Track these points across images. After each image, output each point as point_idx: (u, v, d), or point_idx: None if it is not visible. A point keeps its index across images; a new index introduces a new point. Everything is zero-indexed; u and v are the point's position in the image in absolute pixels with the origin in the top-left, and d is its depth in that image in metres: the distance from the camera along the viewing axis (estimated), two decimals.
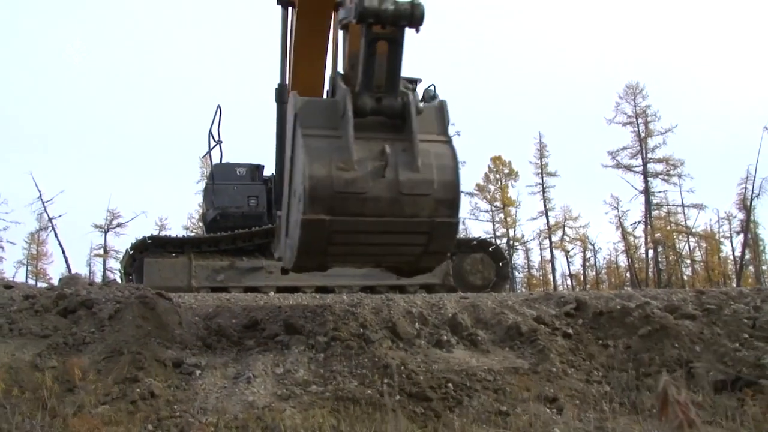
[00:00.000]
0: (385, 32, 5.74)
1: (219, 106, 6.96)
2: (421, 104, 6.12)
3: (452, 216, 5.88)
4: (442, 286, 11.71)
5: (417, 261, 6.39)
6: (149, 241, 11.89)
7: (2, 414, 4.91)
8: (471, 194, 45.36)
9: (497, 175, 45.39)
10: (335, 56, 12.71)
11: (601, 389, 6.08)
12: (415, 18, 5.59)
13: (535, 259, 50.22)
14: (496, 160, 45.10)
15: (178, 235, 13.22)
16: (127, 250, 12.24)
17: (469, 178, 47.23)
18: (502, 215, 45.21)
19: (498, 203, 45.16)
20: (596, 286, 44.15)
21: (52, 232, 38.24)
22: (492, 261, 12.49)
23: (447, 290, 10.84)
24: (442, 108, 6.30)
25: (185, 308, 7.15)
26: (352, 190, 5.64)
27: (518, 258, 48.16)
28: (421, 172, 5.72)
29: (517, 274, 47.49)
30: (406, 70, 6.41)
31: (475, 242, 13.04)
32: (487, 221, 46.22)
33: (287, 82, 13.06)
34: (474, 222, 46.49)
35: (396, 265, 6.89)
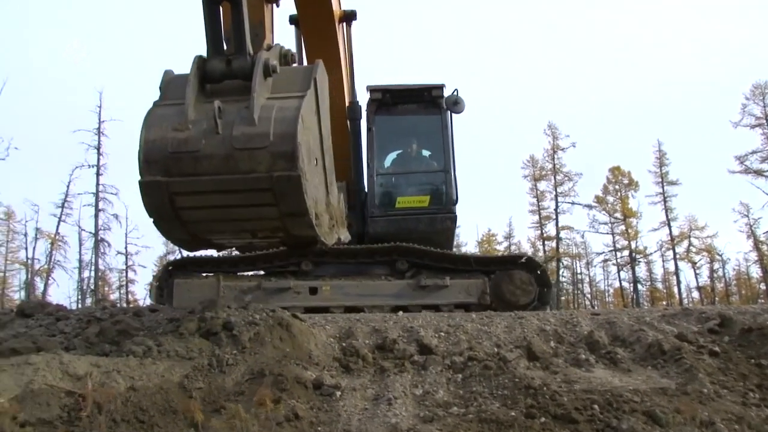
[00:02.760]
0: None
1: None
2: (275, 62, 5.87)
3: (292, 169, 5.50)
4: (478, 305, 11.23)
5: (285, 227, 6.07)
6: (170, 268, 12.17)
7: None
8: (590, 206, 44.31)
9: (616, 186, 44.13)
10: (350, 66, 12.65)
11: (761, 413, 5.63)
12: None
13: (658, 271, 48.36)
14: (614, 170, 43.87)
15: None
16: (151, 282, 12.48)
17: (588, 190, 46.15)
18: (622, 227, 43.81)
19: (618, 215, 43.81)
20: (726, 299, 41.95)
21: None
22: (528, 274, 11.91)
23: (483, 309, 10.38)
24: (310, 69, 6.08)
25: (319, 329, 7.23)
26: (185, 149, 5.53)
27: (640, 271, 46.51)
28: (257, 126, 5.51)
29: (640, 287, 45.81)
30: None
31: (508, 259, 12.58)
32: (607, 233, 44.96)
33: None
34: (594, 235, 45.38)
35: (272, 235, 6.54)
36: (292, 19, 12.36)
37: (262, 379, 5.74)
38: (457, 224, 12.96)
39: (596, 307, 48.22)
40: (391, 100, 13.00)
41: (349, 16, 12.15)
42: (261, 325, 6.62)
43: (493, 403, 5.54)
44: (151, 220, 6.00)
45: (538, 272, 12.02)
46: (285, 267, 11.81)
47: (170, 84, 5.92)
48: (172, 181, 5.57)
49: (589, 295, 52.87)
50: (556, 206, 44.62)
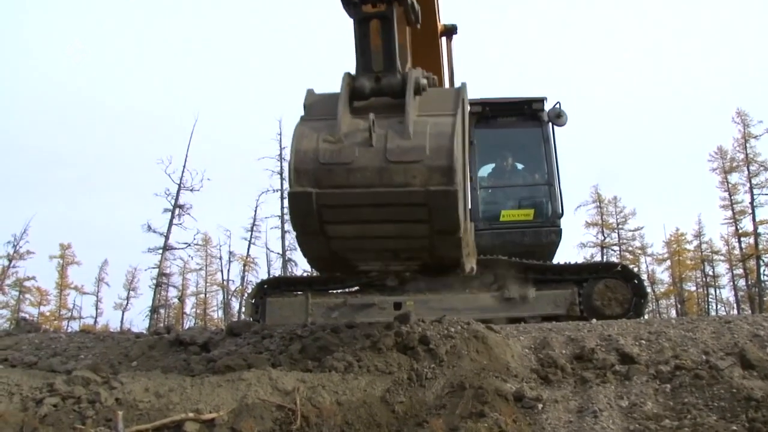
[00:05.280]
0: (375, 10, 5.59)
1: None
2: (425, 80, 5.78)
3: (448, 183, 5.31)
4: (567, 317, 10.58)
5: (432, 246, 5.83)
6: (265, 286, 12.39)
7: None
8: None
9: None
10: (451, 79, 12.21)
11: None
12: None
13: None
14: None
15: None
16: (247, 299, 12.71)
17: None
18: None
19: None
20: None
21: None
22: (624, 283, 11.19)
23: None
24: (458, 90, 5.88)
25: (513, 340, 7.14)
26: (337, 161, 5.44)
27: None
28: (412, 139, 5.36)
29: None
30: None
31: (600, 267, 11.83)
32: None
33: None
34: None
35: (415, 256, 6.27)
36: None
37: (463, 393, 5.75)
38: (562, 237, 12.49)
39: None
40: (491, 113, 12.77)
41: (450, 31, 12.05)
42: (457, 338, 6.64)
43: (710, 416, 5.18)
44: (295, 233, 6.15)
45: (635, 281, 11.43)
46: (371, 283, 11.84)
47: (315, 102, 6.00)
48: (322, 193, 5.56)
49: None
50: (752, 199, 41.25)
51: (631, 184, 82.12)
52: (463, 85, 6.08)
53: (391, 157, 5.45)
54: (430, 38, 10.94)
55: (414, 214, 5.63)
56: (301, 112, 5.99)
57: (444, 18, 11.89)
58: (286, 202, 39.05)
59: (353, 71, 5.97)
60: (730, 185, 43.10)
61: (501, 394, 5.68)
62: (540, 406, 5.63)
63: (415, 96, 5.74)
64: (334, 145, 5.56)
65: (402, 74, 5.79)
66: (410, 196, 5.48)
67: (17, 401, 5.88)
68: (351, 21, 5.85)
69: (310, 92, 6.07)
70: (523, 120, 12.99)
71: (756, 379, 5.96)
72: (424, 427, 5.45)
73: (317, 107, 5.92)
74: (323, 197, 5.57)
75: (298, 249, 6.48)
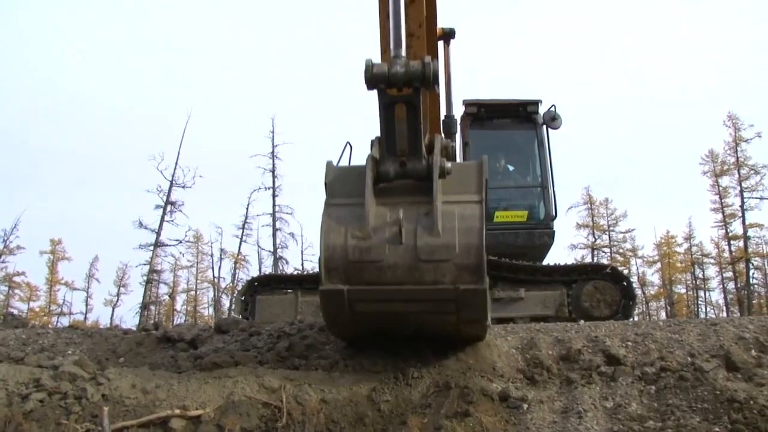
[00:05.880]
0: (401, 95, 5.53)
1: (348, 143, 6.79)
2: (449, 164, 5.74)
3: (478, 282, 5.40)
4: (555, 318, 10.67)
5: (457, 330, 5.99)
6: (255, 284, 12.46)
7: None
8: None
9: None
10: (448, 81, 12.15)
11: None
12: (426, 78, 5.34)
13: None
14: None
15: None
16: (237, 296, 12.80)
17: None
18: None
19: None
20: None
21: None
22: (613, 284, 11.32)
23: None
24: (479, 166, 5.83)
25: (501, 340, 7.15)
26: (367, 259, 5.49)
27: None
28: (441, 237, 5.38)
29: None
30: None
31: (590, 268, 11.90)
32: None
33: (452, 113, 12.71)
34: None
35: (440, 337, 6.38)
36: None
37: (448, 392, 5.78)
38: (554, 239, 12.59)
39: None
40: (486, 114, 12.84)
41: (448, 35, 12.09)
42: None
43: (693, 417, 5.22)
44: (325, 321, 6.30)
45: (624, 283, 11.55)
46: None
47: (337, 178, 5.98)
48: (353, 290, 5.65)
49: None
50: (742, 203, 41.46)
51: (622, 186, 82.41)
52: (484, 159, 6.04)
53: (422, 256, 5.52)
54: (430, 45, 11.00)
55: (443, 307, 5.76)
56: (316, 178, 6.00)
57: (442, 21, 11.93)
58: (278, 200, 39.26)
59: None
60: (720, 188, 43.29)
61: (486, 394, 5.71)
62: (525, 406, 5.66)
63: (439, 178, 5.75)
64: (363, 241, 5.61)
65: (427, 160, 5.79)
66: (440, 293, 5.59)
67: (3, 396, 5.88)
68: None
69: (329, 166, 6.07)
70: (518, 122, 13.08)
71: (740, 381, 6.00)
72: (407, 425, 5.46)
73: (340, 187, 5.93)
74: (354, 293, 5.69)
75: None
